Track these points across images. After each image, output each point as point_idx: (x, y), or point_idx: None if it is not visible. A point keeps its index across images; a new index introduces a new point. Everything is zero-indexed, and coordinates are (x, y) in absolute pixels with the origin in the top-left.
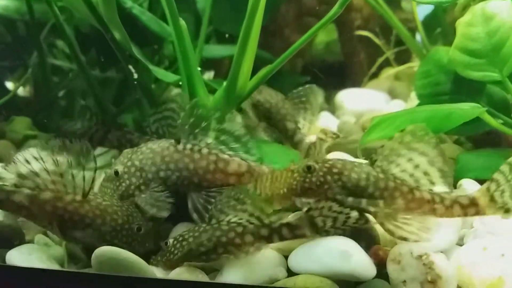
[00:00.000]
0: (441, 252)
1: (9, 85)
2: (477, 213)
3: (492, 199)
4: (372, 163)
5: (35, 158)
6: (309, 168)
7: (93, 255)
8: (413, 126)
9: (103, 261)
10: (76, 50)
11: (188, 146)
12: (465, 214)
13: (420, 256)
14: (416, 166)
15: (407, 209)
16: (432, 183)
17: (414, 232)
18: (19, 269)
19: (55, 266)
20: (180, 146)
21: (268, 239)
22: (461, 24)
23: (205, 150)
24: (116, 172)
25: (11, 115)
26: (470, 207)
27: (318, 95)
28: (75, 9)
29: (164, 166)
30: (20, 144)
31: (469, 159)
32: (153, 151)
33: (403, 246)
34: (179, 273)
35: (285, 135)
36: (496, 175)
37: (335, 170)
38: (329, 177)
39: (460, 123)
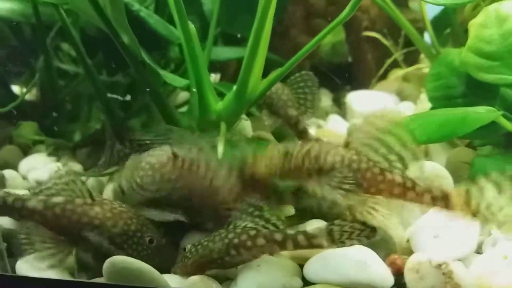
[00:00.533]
0: (459, 260)
1: (15, 88)
2: (446, 207)
3: (467, 201)
4: (347, 145)
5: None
6: (286, 153)
7: (105, 265)
8: (383, 110)
9: (115, 270)
10: (83, 54)
11: (187, 158)
12: (434, 205)
13: (439, 265)
14: (389, 148)
15: (377, 190)
16: (405, 164)
17: (380, 217)
18: (29, 279)
19: (65, 276)
20: (179, 161)
21: (282, 245)
22: (474, 26)
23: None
24: (122, 190)
25: (18, 120)
26: (441, 200)
27: (315, 81)
28: (81, 12)
29: (164, 186)
30: (27, 149)
31: (484, 163)
32: (152, 168)
33: (422, 255)
34: (193, 283)
35: (288, 123)
36: (484, 183)
37: (312, 154)
38: (307, 161)
39: (476, 127)
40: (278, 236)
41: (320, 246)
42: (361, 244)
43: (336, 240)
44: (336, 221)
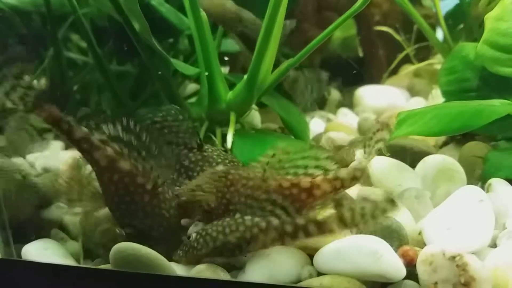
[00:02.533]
0: (472, 253)
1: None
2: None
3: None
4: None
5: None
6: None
7: (112, 251)
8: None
9: (121, 257)
10: (93, 43)
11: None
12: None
13: (453, 257)
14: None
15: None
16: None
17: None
18: (35, 264)
19: (71, 262)
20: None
21: (293, 236)
22: (489, 19)
23: None
24: None
25: None
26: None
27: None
28: None
29: None
30: (35, 137)
31: (498, 158)
32: None
33: (435, 247)
34: (200, 271)
35: None
36: None
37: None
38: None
39: (491, 120)
40: (289, 228)
41: (332, 232)
42: (377, 222)
43: (348, 224)
44: (346, 204)
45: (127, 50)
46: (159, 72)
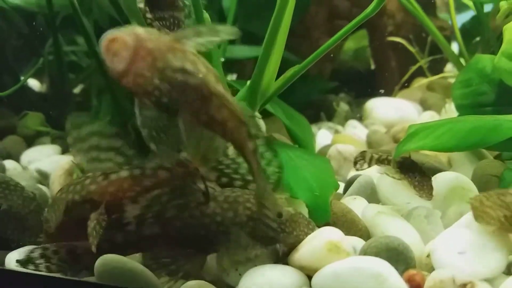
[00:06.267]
0: (485, 281)
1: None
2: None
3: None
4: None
5: None
6: None
7: (96, 264)
8: None
9: (106, 270)
10: (94, 44)
11: None
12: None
13: (464, 285)
14: None
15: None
16: None
17: None
18: (17, 274)
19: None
20: None
21: None
22: (509, 29)
23: None
24: None
25: (24, 110)
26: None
27: None
28: None
29: None
30: (31, 140)
31: None
32: None
33: (445, 272)
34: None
35: None
36: None
37: None
38: None
39: (510, 136)
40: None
41: None
42: None
43: None
44: None
45: None
46: None
